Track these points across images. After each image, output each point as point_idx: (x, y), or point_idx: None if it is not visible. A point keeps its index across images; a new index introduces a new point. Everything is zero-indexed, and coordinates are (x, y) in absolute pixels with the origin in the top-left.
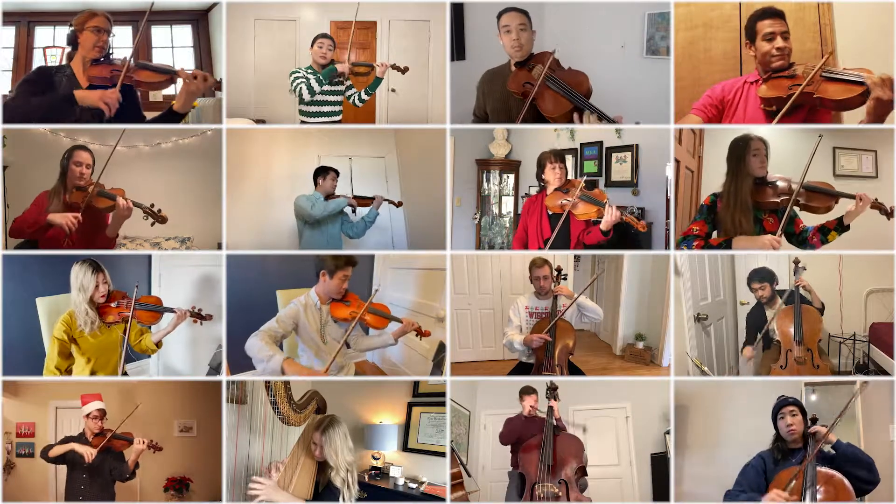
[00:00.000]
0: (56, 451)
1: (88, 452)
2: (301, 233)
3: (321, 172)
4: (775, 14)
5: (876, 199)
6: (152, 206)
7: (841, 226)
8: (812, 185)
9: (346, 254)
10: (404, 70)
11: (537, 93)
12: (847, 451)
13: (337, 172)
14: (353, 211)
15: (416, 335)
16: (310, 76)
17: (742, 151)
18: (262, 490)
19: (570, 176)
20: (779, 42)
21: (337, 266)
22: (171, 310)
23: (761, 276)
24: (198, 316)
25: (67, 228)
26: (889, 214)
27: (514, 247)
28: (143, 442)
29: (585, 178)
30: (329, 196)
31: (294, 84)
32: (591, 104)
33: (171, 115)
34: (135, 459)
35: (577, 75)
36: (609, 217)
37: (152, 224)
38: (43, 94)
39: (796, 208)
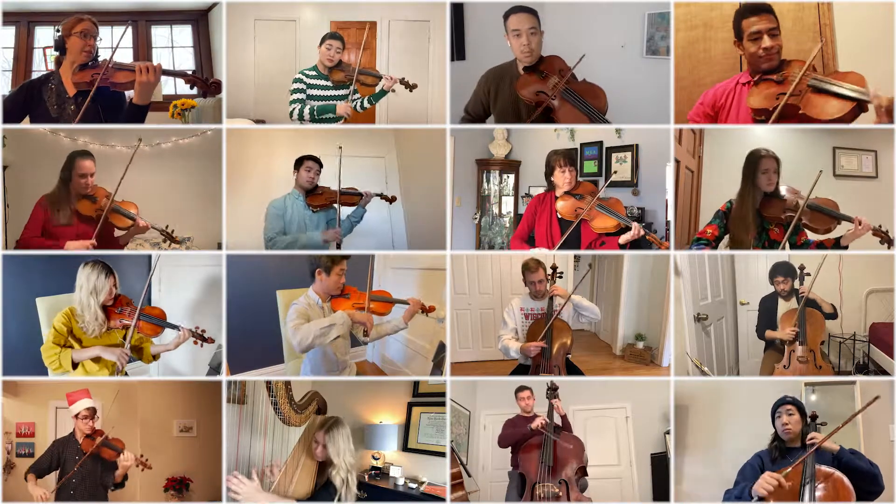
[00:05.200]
0: (30, 481)
1: (40, 495)
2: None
3: (298, 162)
4: (761, 10)
5: (879, 227)
6: (167, 227)
7: (838, 246)
8: (817, 206)
9: (340, 253)
10: (412, 87)
11: (554, 103)
12: (850, 463)
13: (318, 163)
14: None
15: (423, 312)
16: (305, 104)
17: (753, 167)
18: (242, 489)
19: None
20: (766, 42)
21: (333, 261)
22: (172, 325)
23: (785, 270)
24: (199, 337)
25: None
26: (889, 243)
27: (512, 243)
28: (132, 458)
29: (600, 185)
30: (309, 192)
31: (290, 100)
32: (607, 120)
33: (133, 109)
34: (122, 473)
35: (594, 89)
36: (632, 235)
37: (169, 245)
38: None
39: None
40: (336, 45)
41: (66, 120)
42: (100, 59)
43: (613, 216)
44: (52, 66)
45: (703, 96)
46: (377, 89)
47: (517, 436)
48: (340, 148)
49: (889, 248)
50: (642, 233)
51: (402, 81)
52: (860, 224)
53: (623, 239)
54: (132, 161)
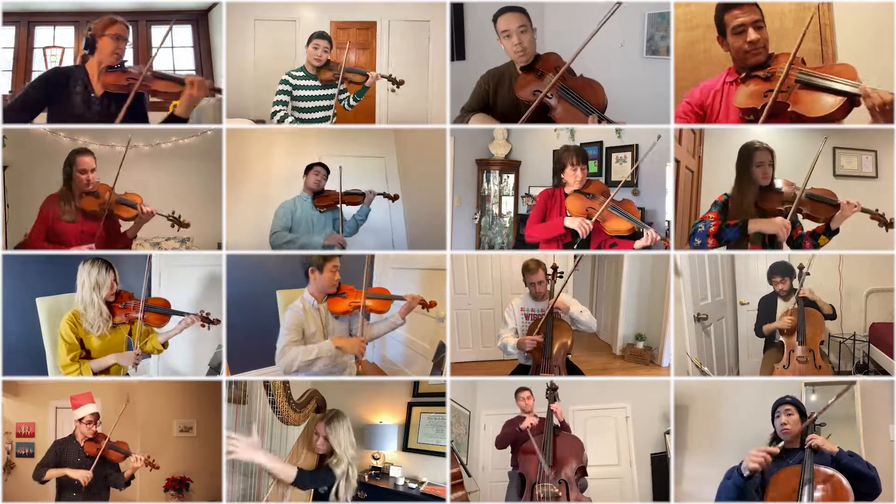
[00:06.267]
0: (49, 476)
1: (84, 477)
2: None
3: (307, 169)
4: (743, 3)
5: (877, 211)
6: (173, 212)
7: (829, 230)
8: (815, 195)
9: (328, 253)
10: (399, 83)
11: (552, 103)
12: (849, 466)
13: (326, 168)
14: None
15: (423, 308)
16: (287, 112)
17: (747, 161)
18: (238, 447)
19: None
20: (751, 35)
21: (325, 258)
22: (179, 313)
23: (783, 270)
24: (206, 320)
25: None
26: (888, 225)
27: (528, 229)
28: (140, 459)
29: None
30: (316, 194)
31: (274, 103)
32: (606, 117)
33: (173, 119)
34: (131, 473)
35: (591, 86)
36: (648, 241)
37: (178, 230)
38: (51, 103)
39: (799, 215)
40: (323, 44)
41: (89, 117)
42: (126, 63)
43: (628, 219)
44: (52, 66)
45: (689, 95)
46: (363, 86)
47: (512, 436)
48: (340, 168)
49: (888, 230)
50: (658, 239)
51: (390, 78)
52: (848, 204)
53: (638, 244)
54: (130, 160)
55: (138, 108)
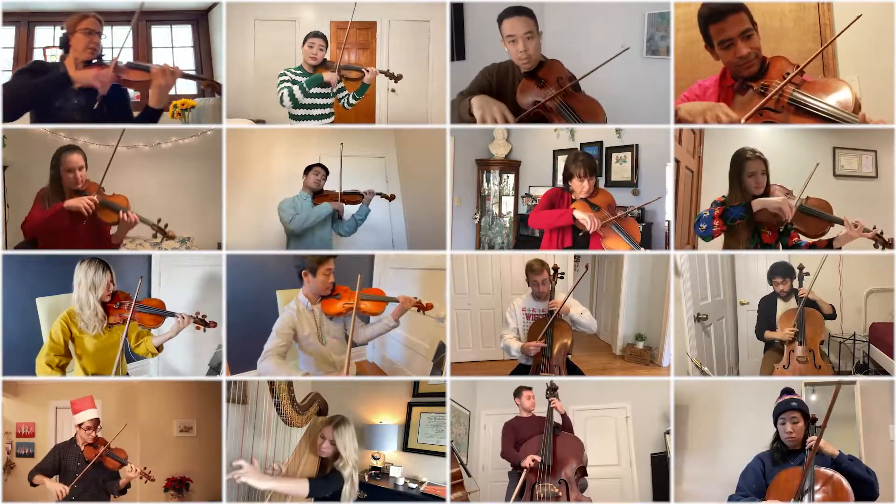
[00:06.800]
0: (38, 482)
1: (58, 491)
2: (287, 240)
3: (307, 169)
4: (728, 11)
5: (874, 230)
6: (159, 221)
7: (831, 248)
8: (808, 210)
9: (326, 253)
10: (397, 78)
11: (550, 116)
12: (849, 470)
13: (325, 169)
14: (340, 217)
15: (418, 310)
16: (294, 84)
17: (739, 169)
18: (247, 472)
19: None
20: (741, 50)
21: (319, 262)
22: (172, 314)
23: (783, 271)
24: (201, 322)
25: (86, 211)
26: (885, 245)
27: (533, 217)
28: (136, 470)
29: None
30: (316, 193)
31: (278, 89)
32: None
33: (148, 112)
34: (126, 482)
35: (591, 107)
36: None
37: (160, 240)
38: (35, 94)
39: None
40: (318, 42)
41: (70, 110)
42: (104, 57)
43: (627, 240)
44: None
45: (689, 93)
46: (361, 83)
47: (514, 460)
48: (342, 144)
49: (883, 249)
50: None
51: (387, 73)
52: (855, 227)
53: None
54: (130, 159)
55: (118, 101)
